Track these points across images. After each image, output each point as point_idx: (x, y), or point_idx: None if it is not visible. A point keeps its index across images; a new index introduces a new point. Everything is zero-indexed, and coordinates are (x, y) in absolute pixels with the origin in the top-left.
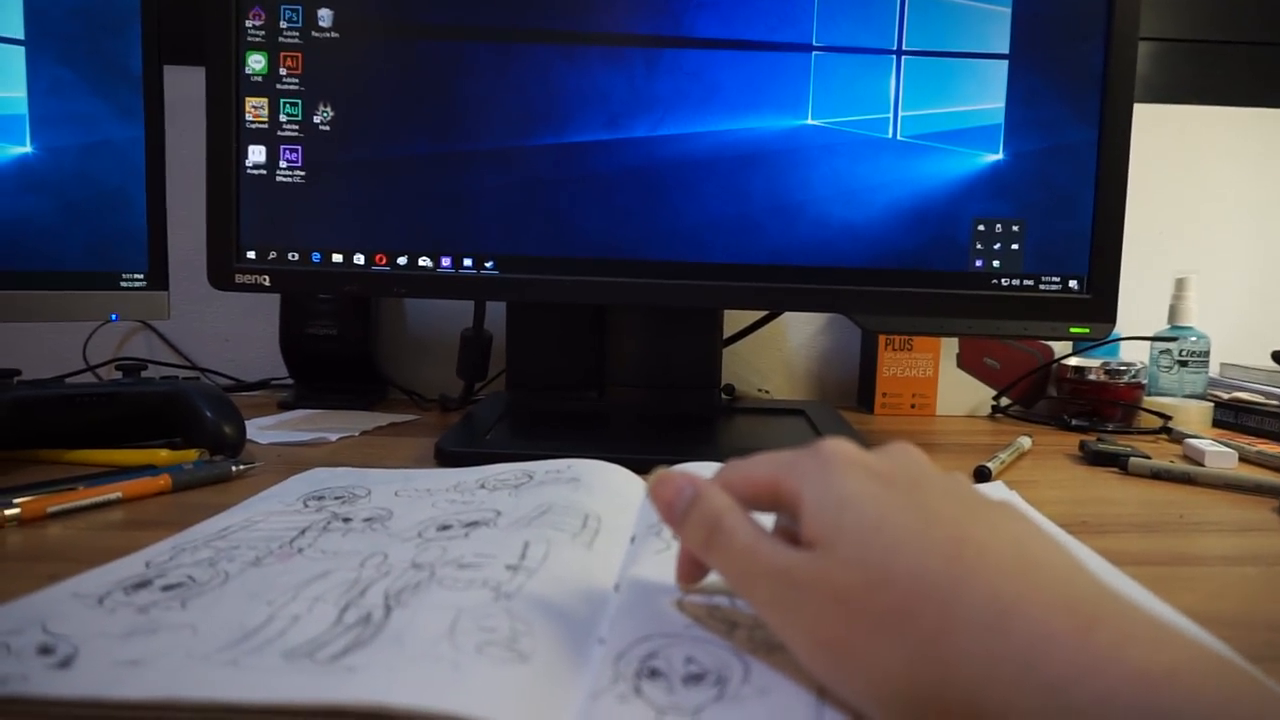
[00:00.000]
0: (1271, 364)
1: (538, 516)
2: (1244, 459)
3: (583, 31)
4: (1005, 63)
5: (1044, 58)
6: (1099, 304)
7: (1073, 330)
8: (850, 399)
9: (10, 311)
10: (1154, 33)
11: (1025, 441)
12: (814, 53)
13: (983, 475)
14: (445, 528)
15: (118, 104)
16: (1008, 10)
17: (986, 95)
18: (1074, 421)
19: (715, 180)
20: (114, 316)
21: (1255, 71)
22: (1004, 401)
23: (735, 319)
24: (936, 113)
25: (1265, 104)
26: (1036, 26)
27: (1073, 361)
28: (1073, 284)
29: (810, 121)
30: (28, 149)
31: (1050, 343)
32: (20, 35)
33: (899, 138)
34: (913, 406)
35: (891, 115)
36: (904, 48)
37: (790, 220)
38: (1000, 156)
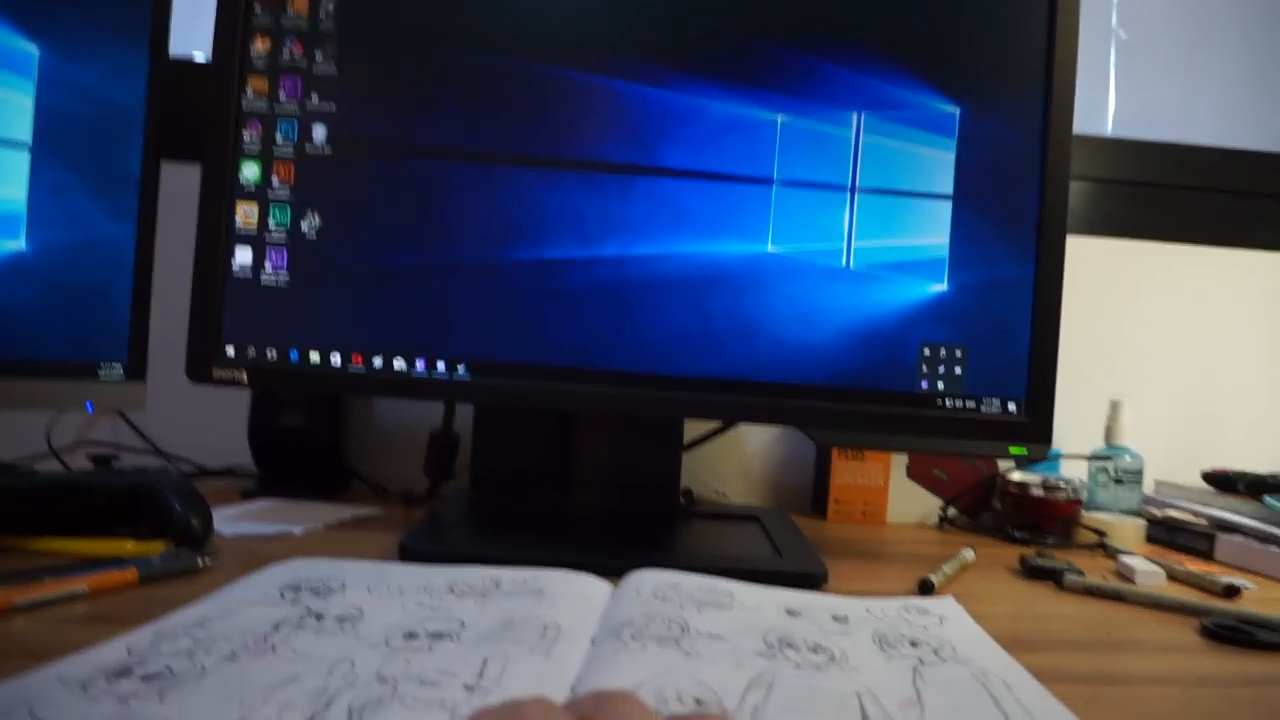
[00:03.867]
0: (1202, 484)
1: (500, 632)
2: (1172, 577)
3: (562, 157)
4: (949, 203)
5: (985, 199)
6: (1035, 426)
7: (1012, 450)
8: (804, 505)
9: None
10: (1095, 174)
11: (969, 554)
12: (775, 186)
13: (926, 588)
14: (411, 635)
15: (114, 204)
16: (952, 156)
17: (932, 231)
18: (1016, 534)
19: (680, 299)
20: (89, 406)
21: (1183, 213)
22: (951, 512)
23: (695, 426)
24: (886, 245)
25: (1191, 241)
26: (978, 171)
27: (1015, 476)
28: (1011, 406)
29: (770, 249)
30: (21, 245)
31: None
32: (28, 139)
33: (852, 267)
34: (863, 514)
35: (845, 246)
36: (857, 185)
37: (749, 338)
38: (945, 287)
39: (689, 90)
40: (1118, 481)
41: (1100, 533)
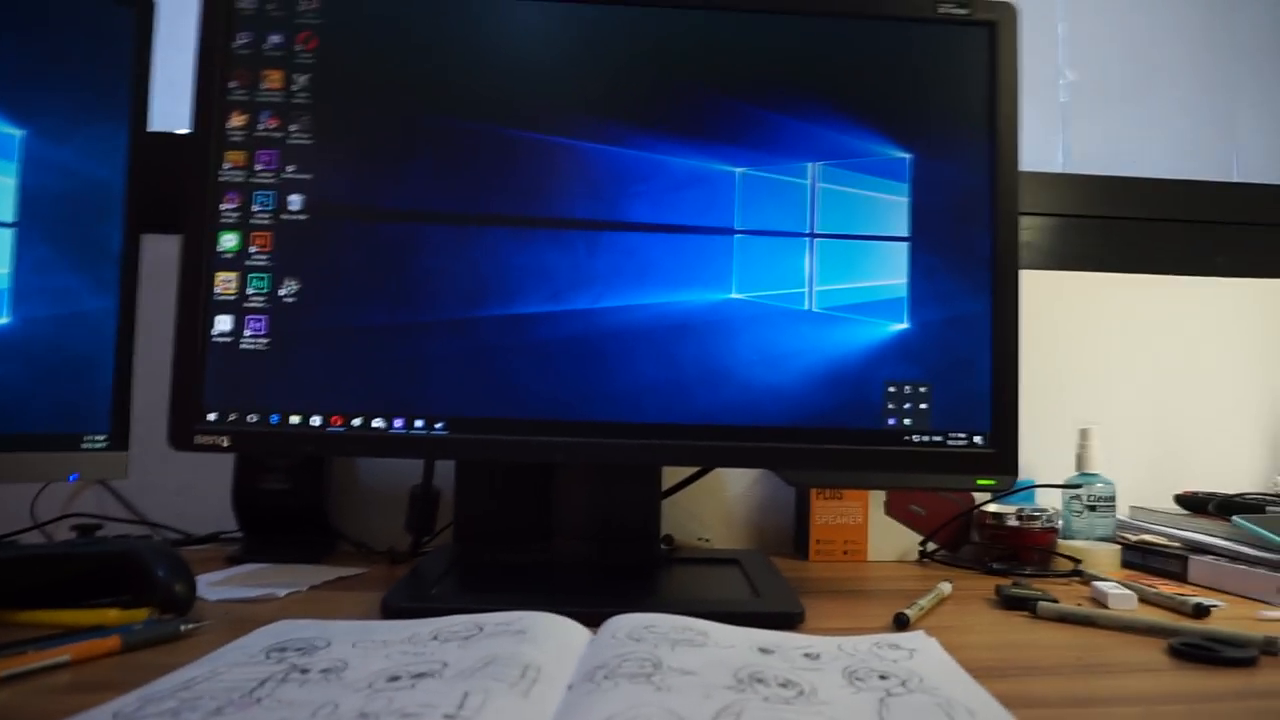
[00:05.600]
0: (1176, 506)
1: (481, 668)
2: (1144, 600)
3: (530, 216)
4: (906, 244)
5: (939, 239)
6: (1001, 457)
7: (979, 482)
8: (787, 546)
9: None
10: (1052, 209)
11: (945, 587)
12: (736, 235)
13: (901, 623)
14: (395, 679)
15: (95, 277)
16: (905, 200)
17: (891, 272)
18: (994, 565)
19: (649, 348)
20: (73, 477)
21: (1141, 243)
22: (930, 546)
23: (673, 473)
24: (847, 287)
25: (1151, 270)
26: (931, 213)
27: (991, 508)
28: (977, 439)
29: (734, 295)
30: (5, 320)
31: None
32: (11, 218)
33: (814, 309)
34: (845, 553)
35: (807, 289)
36: (815, 231)
37: (718, 384)
38: (906, 325)
39: (650, 147)
40: (1091, 508)
41: (1076, 560)
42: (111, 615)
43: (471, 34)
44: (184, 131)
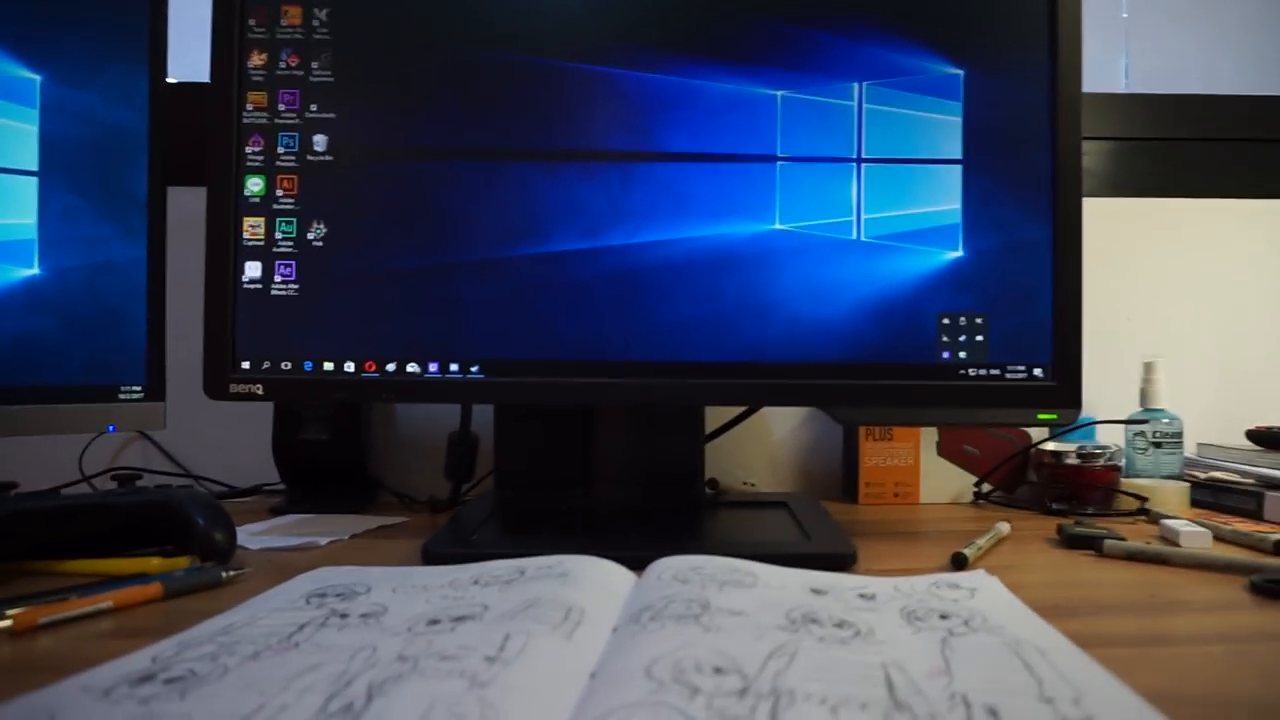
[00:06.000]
0: (1247, 443)
1: (522, 610)
2: (1219, 538)
3: (562, 149)
4: (959, 168)
5: (995, 162)
6: (1064, 390)
7: (1040, 416)
8: (835, 489)
9: (11, 425)
10: (1112, 133)
11: (1004, 527)
12: (779, 163)
13: (959, 562)
14: (434, 622)
15: (123, 226)
16: (959, 120)
17: (943, 197)
18: (1054, 506)
19: (690, 283)
20: (111, 428)
21: (1207, 166)
22: (986, 488)
23: (716, 414)
24: (897, 215)
25: (1218, 194)
26: (986, 134)
27: (1049, 446)
28: (1037, 372)
29: (778, 226)
30: (35, 271)
31: (1027, 428)
32: (34, 167)
33: (863, 239)
34: (896, 495)
35: (854, 218)
36: (863, 156)
37: (762, 319)
38: (960, 254)
39: (685, 72)
40: (1157, 445)
41: (1142, 498)
42: (154, 564)
43: None
44: (204, 81)
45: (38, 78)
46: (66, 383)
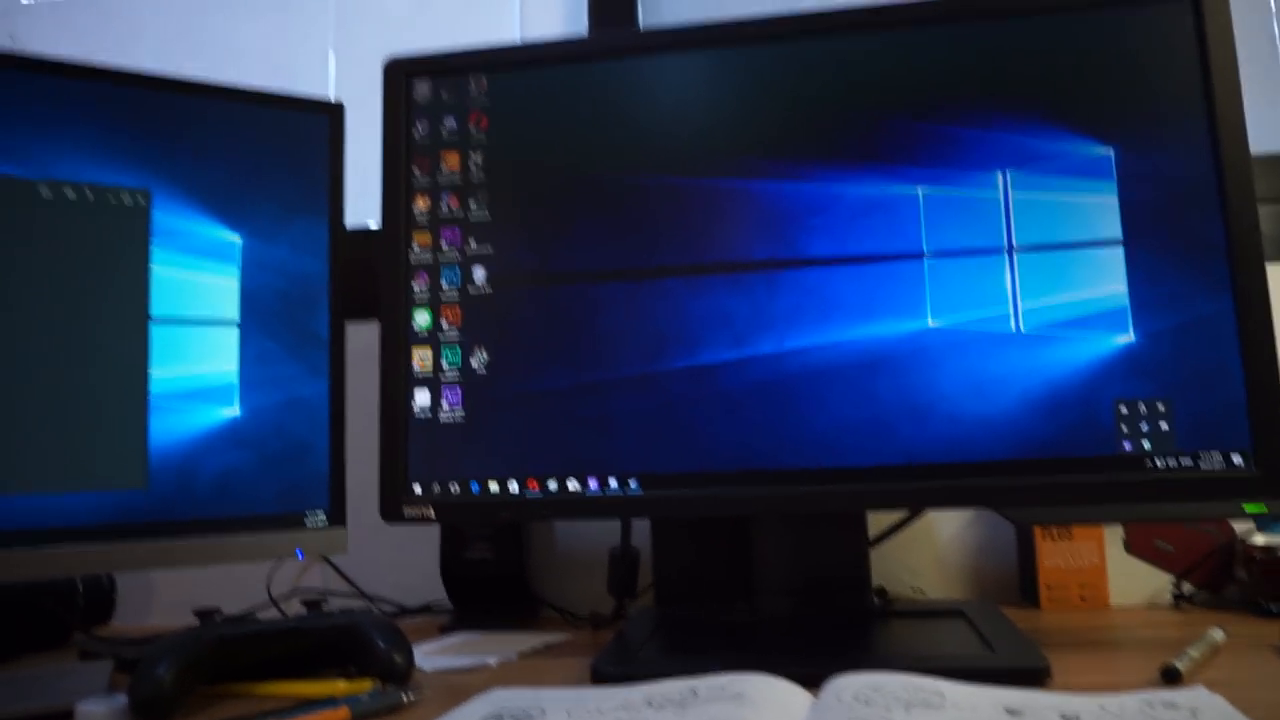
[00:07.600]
0: None
1: None
2: None
3: (704, 263)
4: (1120, 247)
5: (1160, 237)
6: (1269, 477)
7: (1247, 508)
8: (1011, 594)
9: (218, 554)
10: None
11: (1218, 634)
12: (925, 260)
13: (1171, 677)
14: None
15: (309, 364)
16: (1114, 199)
17: (1106, 280)
18: (1272, 607)
19: (842, 387)
20: (299, 553)
21: None
22: (1186, 587)
23: (879, 520)
24: (1058, 302)
25: None
26: (1146, 209)
27: (1259, 540)
28: (1236, 458)
29: (930, 324)
30: (237, 412)
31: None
32: (236, 318)
33: (1022, 330)
34: (1081, 598)
35: (1011, 310)
36: (1014, 245)
37: (921, 419)
38: (1132, 337)
39: (823, 178)
40: None
41: None
42: (340, 687)
43: (632, 92)
44: (373, 226)
45: (238, 238)
46: (260, 512)
